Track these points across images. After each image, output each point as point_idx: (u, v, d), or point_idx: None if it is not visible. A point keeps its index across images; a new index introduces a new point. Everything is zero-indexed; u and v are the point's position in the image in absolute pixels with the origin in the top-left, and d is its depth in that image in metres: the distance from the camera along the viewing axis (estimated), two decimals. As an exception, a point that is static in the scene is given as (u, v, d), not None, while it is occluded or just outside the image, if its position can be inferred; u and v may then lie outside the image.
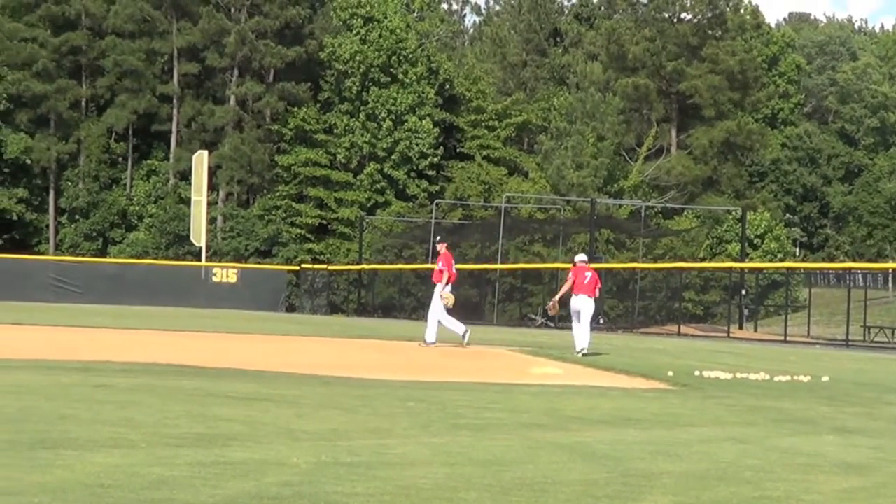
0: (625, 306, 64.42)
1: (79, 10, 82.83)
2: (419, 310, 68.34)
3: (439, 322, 28.05)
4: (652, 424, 12.83)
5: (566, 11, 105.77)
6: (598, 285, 27.46)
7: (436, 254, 28.76)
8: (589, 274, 26.96)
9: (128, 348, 24.54)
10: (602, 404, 15.03)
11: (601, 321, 58.25)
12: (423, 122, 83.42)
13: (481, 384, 18.12)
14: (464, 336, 27.88)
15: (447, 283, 28.01)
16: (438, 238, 29.94)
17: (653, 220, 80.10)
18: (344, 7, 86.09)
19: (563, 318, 61.22)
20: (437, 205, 78.10)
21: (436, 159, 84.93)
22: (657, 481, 8.71)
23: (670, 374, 20.52)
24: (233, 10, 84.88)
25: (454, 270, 28.54)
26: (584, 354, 25.93)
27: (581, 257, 27.83)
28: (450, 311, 28.25)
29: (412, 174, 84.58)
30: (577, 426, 12.35)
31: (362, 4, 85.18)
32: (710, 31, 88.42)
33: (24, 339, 26.69)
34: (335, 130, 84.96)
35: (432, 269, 28.99)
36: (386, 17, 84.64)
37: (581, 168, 79.85)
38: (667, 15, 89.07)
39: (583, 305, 26.78)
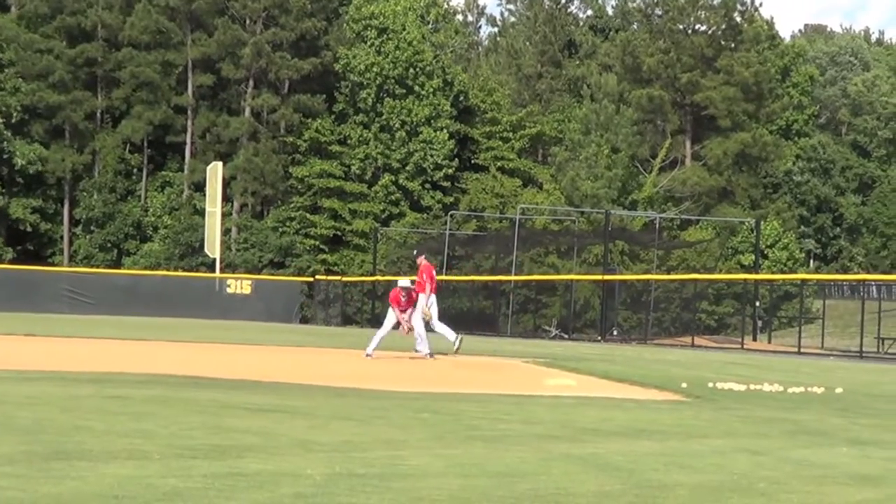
0: (638, 318, 64.28)
1: (95, 22, 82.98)
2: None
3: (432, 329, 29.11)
4: (666, 436, 12.82)
5: (581, 23, 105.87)
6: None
7: (416, 267, 29.68)
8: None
9: (142, 360, 24.60)
10: (616, 416, 15.02)
11: (615, 332, 58.21)
12: (439, 133, 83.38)
13: (495, 395, 18.13)
14: (455, 343, 28.66)
15: (430, 295, 28.67)
16: (416, 252, 31.15)
17: (667, 231, 79.91)
18: (357, 19, 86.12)
19: (577, 331, 61.67)
20: (451, 216, 78.02)
21: (450, 171, 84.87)
22: (671, 493, 8.70)
23: (684, 385, 20.50)
24: (248, 21, 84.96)
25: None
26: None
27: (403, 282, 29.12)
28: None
29: (427, 185, 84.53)
30: (591, 437, 12.35)
31: (376, 16, 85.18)
32: (724, 43, 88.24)
33: (38, 351, 26.76)
34: (349, 142, 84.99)
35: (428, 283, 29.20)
36: (404, 29, 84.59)
37: (595, 179, 79.76)
38: (682, 26, 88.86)
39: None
